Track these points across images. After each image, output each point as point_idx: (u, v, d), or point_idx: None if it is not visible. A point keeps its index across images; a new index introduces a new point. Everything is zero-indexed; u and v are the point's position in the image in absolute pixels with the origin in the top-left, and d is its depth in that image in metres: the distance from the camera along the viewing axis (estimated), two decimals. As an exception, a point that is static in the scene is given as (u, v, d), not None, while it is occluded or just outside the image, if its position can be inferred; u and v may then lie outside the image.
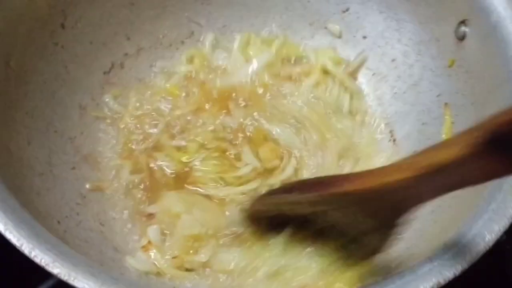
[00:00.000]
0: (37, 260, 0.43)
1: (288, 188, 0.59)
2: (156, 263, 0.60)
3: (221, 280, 0.59)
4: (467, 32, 0.63)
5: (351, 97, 0.73)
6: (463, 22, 0.63)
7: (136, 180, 0.66)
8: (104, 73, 0.72)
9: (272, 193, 0.61)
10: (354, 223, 0.52)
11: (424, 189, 0.43)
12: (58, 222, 0.57)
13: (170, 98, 0.72)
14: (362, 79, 0.75)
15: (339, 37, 0.76)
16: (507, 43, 0.59)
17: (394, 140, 0.71)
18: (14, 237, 0.44)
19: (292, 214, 0.57)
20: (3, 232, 0.44)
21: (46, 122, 0.64)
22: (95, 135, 0.69)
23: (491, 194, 0.50)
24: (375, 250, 0.53)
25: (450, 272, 0.44)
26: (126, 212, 0.64)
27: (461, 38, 0.64)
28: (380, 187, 0.44)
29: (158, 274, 0.60)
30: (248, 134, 0.68)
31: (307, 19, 0.77)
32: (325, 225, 0.56)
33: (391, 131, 0.71)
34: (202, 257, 0.60)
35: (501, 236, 0.47)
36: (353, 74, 0.75)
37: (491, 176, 0.40)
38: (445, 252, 0.46)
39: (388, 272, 0.48)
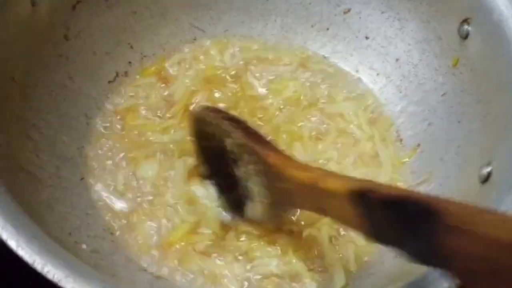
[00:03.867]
0: (49, 276, 0.44)
1: (231, 117, 0.61)
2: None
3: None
4: (470, 31, 0.63)
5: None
6: (466, 21, 0.63)
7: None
8: (109, 82, 0.72)
9: (220, 111, 0.63)
10: (253, 181, 0.57)
11: (305, 198, 0.50)
12: (69, 233, 0.57)
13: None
14: (367, 79, 0.75)
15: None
16: (510, 41, 0.59)
17: (401, 140, 0.71)
18: (26, 254, 0.44)
19: (217, 147, 0.60)
20: (15, 249, 0.45)
21: (53, 134, 0.64)
22: (102, 144, 0.69)
23: (500, 196, 0.50)
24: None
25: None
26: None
27: (465, 36, 0.63)
28: (290, 175, 0.51)
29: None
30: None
31: (309, 21, 0.77)
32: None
33: (397, 131, 0.71)
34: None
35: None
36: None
37: (342, 216, 0.46)
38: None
39: (399, 278, 0.48)
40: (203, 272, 0.60)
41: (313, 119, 0.72)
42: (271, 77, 0.75)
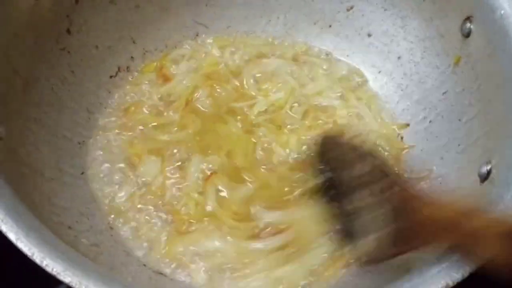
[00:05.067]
0: (48, 269, 0.44)
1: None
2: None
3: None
4: (473, 29, 0.63)
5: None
6: (468, 19, 0.63)
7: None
8: (111, 76, 0.72)
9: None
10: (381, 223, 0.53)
11: (441, 234, 0.46)
12: (69, 227, 0.57)
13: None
14: (369, 77, 0.75)
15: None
16: (512, 40, 0.59)
17: (402, 138, 0.71)
18: (26, 246, 0.44)
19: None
20: (14, 241, 0.45)
21: (54, 127, 0.64)
22: (103, 139, 0.69)
23: (499, 194, 0.50)
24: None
25: (458, 273, 0.44)
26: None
27: (467, 35, 0.63)
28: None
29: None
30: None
31: (312, 18, 0.77)
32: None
33: (398, 128, 0.71)
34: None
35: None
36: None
37: (491, 255, 0.43)
38: (453, 253, 0.46)
39: (397, 274, 0.48)
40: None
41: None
42: (266, 76, 0.74)
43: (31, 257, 0.44)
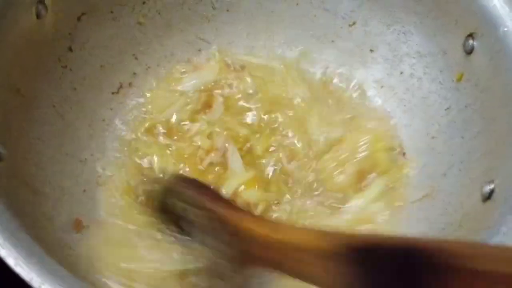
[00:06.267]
0: (47, 295, 0.44)
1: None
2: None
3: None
4: (475, 46, 0.62)
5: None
6: (470, 36, 0.62)
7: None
8: (113, 93, 0.72)
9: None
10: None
11: (274, 256, 0.45)
12: (70, 247, 0.57)
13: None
14: (371, 92, 0.75)
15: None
16: (515, 58, 0.58)
17: (404, 154, 0.70)
18: (24, 271, 0.45)
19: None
20: (13, 267, 0.45)
21: (56, 145, 0.64)
22: (105, 156, 0.69)
23: (502, 215, 0.49)
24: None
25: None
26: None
27: (469, 51, 0.63)
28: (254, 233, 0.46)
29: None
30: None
31: (314, 34, 0.76)
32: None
33: (400, 145, 0.71)
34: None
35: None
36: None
37: (332, 281, 0.39)
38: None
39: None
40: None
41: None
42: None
43: (29, 282, 0.44)
